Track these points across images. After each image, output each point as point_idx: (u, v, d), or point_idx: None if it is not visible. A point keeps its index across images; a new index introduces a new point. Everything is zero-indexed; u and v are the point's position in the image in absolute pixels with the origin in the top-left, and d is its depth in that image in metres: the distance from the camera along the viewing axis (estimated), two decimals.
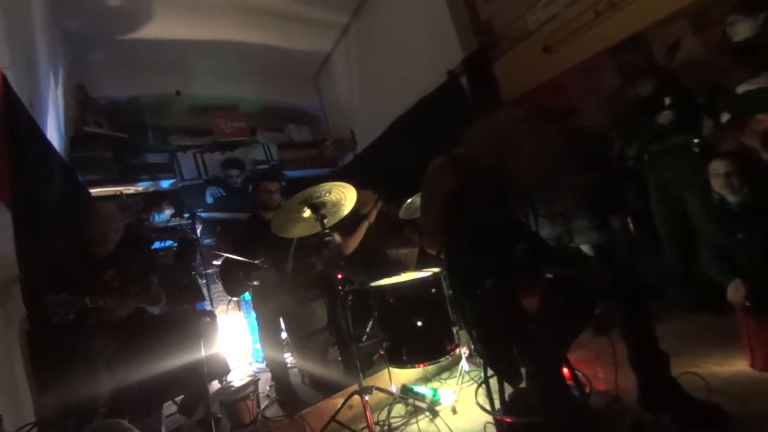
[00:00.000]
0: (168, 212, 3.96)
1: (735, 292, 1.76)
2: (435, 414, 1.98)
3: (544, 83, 3.24)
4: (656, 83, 2.51)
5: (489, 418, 1.65)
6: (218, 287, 3.85)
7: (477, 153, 1.59)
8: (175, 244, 3.67)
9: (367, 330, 2.50)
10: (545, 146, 1.42)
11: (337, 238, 2.86)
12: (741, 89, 2.13)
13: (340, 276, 2.29)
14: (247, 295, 3.43)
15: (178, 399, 2.24)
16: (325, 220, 2.03)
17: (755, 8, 2.08)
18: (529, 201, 1.77)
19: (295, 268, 2.58)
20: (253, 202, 2.83)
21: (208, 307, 3.60)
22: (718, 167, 1.93)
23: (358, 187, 2.81)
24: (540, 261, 1.50)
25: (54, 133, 3.07)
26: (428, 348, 2.18)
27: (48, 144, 2.65)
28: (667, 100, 2.43)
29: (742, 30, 2.13)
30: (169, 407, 2.31)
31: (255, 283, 2.48)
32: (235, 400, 2.13)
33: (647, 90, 2.54)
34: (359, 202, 3.07)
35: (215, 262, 3.63)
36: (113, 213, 2.24)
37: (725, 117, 2.26)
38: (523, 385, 1.53)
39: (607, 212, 2.69)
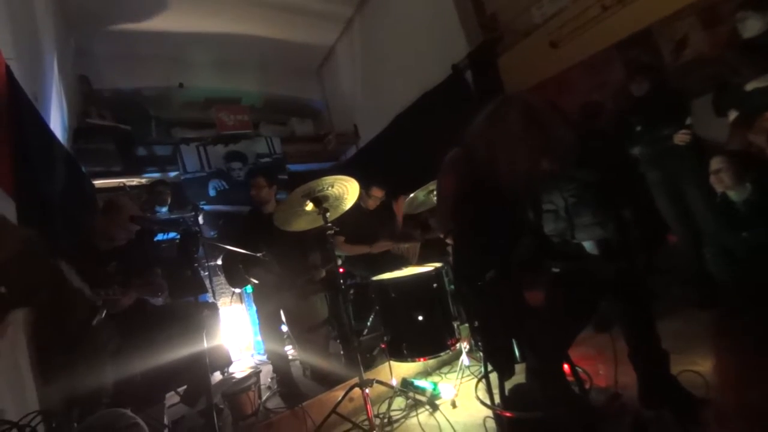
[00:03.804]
0: (167, 198, 3.97)
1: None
2: (435, 408, 1.99)
3: (550, 78, 3.22)
4: (652, 83, 2.50)
5: (489, 412, 1.65)
6: (221, 279, 3.87)
7: (474, 147, 1.58)
8: (178, 236, 3.68)
9: (368, 324, 2.51)
10: (531, 137, 1.40)
11: (339, 238, 2.87)
12: (750, 87, 2.11)
13: (341, 270, 2.30)
14: (249, 288, 3.45)
15: (181, 389, 2.27)
16: (327, 214, 2.03)
17: (766, 4, 2.05)
18: (533, 196, 1.76)
19: (296, 261, 2.59)
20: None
21: (211, 299, 3.62)
22: (712, 164, 1.94)
23: (369, 183, 2.82)
24: (543, 256, 1.50)
25: (57, 124, 3.08)
26: (429, 342, 2.19)
27: (51, 135, 2.65)
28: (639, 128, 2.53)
29: (752, 26, 2.10)
30: (172, 397, 2.34)
31: (254, 280, 2.49)
32: (237, 391, 2.15)
33: (643, 90, 2.52)
34: (368, 200, 3.09)
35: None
36: (133, 207, 2.26)
37: (733, 114, 2.24)
38: (522, 380, 1.54)
39: (611, 209, 2.68)
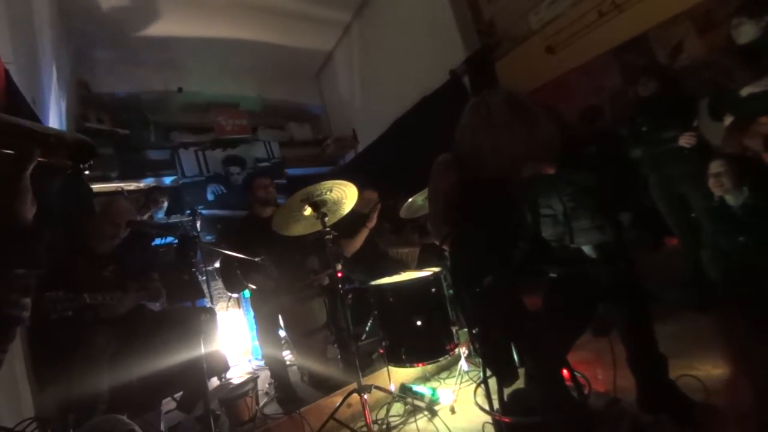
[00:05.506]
0: (164, 205, 3.98)
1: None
2: (433, 413, 1.98)
3: (547, 83, 3.24)
4: (659, 83, 2.51)
5: (487, 418, 1.65)
6: (218, 284, 3.86)
7: (461, 141, 1.59)
8: (176, 241, 3.67)
9: (367, 329, 2.50)
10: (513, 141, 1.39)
11: (342, 242, 2.86)
12: (745, 92, 2.13)
13: (340, 274, 2.30)
14: (246, 293, 3.44)
15: (178, 395, 2.25)
16: (326, 219, 2.03)
17: (760, 10, 2.07)
18: (530, 200, 1.76)
19: (294, 266, 2.58)
20: (250, 201, 2.83)
21: (209, 304, 3.61)
22: (712, 167, 1.95)
23: (361, 186, 2.82)
24: (541, 260, 1.50)
25: (56, 128, 3.07)
26: (427, 347, 2.18)
27: None
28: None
29: (746, 32, 2.12)
30: (169, 403, 2.32)
31: (252, 286, 2.48)
32: (235, 397, 2.13)
33: (650, 90, 2.53)
34: (361, 202, 3.07)
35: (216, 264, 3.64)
36: (128, 208, 2.25)
37: (728, 119, 2.25)
38: (521, 385, 1.53)
39: (609, 212, 2.68)
